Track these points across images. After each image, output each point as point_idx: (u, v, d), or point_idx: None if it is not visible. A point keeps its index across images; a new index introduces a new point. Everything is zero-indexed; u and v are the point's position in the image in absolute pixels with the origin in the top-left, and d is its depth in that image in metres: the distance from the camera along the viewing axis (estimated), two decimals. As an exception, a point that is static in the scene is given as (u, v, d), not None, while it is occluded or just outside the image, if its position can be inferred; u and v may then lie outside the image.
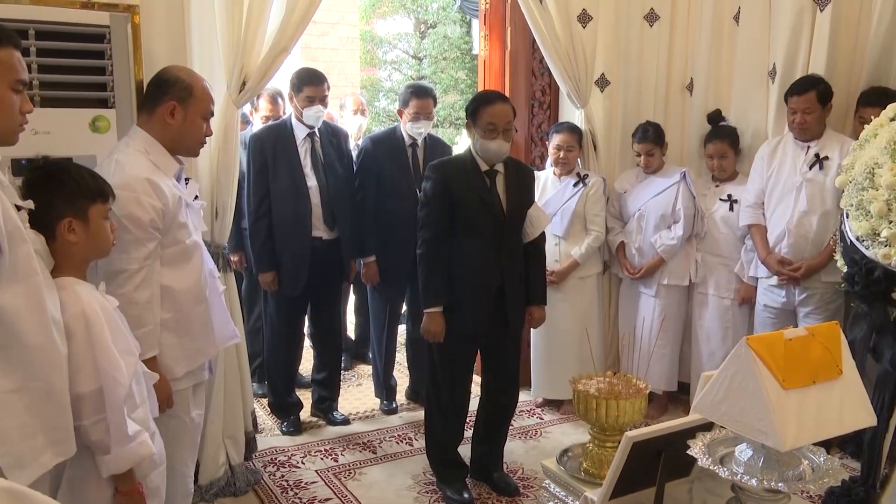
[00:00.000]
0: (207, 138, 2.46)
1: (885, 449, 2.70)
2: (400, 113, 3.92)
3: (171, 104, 2.28)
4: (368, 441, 3.80)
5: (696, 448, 1.70)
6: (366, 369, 4.81)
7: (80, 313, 1.78)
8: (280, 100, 4.35)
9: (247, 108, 4.28)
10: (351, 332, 5.14)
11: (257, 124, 4.36)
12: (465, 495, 3.17)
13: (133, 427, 1.84)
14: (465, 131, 3.47)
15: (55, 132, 2.44)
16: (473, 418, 3.38)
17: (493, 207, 3.03)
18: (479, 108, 3.00)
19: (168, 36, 2.77)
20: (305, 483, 3.35)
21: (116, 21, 2.55)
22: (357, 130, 4.74)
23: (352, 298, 4.99)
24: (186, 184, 2.46)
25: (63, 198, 1.85)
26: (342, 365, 4.70)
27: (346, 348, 4.94)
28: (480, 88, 4.49)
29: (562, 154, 3.96)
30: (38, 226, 1.80)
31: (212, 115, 2.42)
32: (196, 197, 2.53)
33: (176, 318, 2.30)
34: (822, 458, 1.68)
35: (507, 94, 4.01)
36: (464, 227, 3.03)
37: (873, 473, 2.73)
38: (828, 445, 1.70)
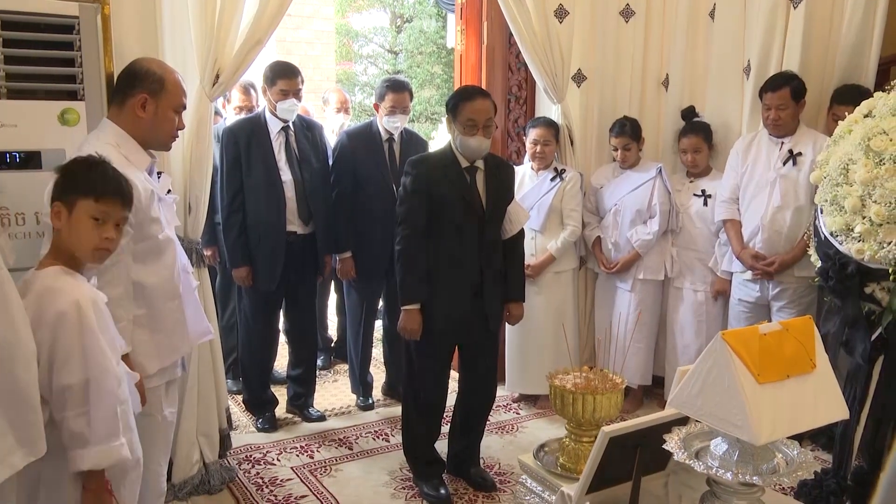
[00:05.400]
0: (180, 132, 2.42)
1: (856, 441, 2.74)
2: (376, 107, 3.90)
3: (143, 97, 2.24)
4: (344, 437, 3.78)
5: (672, 442, 1.71)
6: (342, 365, 4.78)
7: (73, 302, 1.77)
8: (253, 91, 4.30)
9: (218, 101, 4.23)
10: (332, 332, 5.09)
11: (230, 115, 4.31)
12: (442, 491, 3.16)
13: (118, 426, 1.81)
14: (441, 126, 3.46)
15: (22, 125, 2.38)
16: (450, 414, 3.38)
17: (472, 204, 3.02)
18: (460, 103, 2.98)
19: (139, 27, 2.72)
20: (281, 480, 3.33)
21: (85, 12, 2.49)
22: (339, 128, 4.68)
23: (333, 297, 4.96)
24: (159, 178, 2.41)
25: (61, 183, 1.92)
26: (321, 364, 4.69)
27: (327, 348, 4.92)
28: (457, 83, 4.48)
29: (538, 148, 3.96)
30: None
31: (184, 108, 2.38)
32: (169, 191, 2.48)
33: (149, 314, 2.26)
34: (795, 452, 1.69)
35: (483, 88, 4.00)
36: (443, 224, 3.01)
37: (845, 465, 2.77)
38: (800, 438, 1.72)
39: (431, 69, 11.44)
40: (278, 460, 3.52)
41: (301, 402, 4.00)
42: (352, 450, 3.65)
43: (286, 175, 3.64)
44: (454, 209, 3.00)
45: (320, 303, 4.69)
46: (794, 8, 3.56)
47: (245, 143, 3.60)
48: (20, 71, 2.42)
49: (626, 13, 4.13)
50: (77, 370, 1.75)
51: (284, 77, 3.58)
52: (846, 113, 2.82)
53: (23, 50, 2.42)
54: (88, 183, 1.90)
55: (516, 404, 4.22)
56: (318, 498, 3.19)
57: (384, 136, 3.87)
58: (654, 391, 4.22)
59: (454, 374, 3.33)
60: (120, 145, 2.21)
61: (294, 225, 3.69)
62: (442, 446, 3.36)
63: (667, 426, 1.80)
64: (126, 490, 1.99)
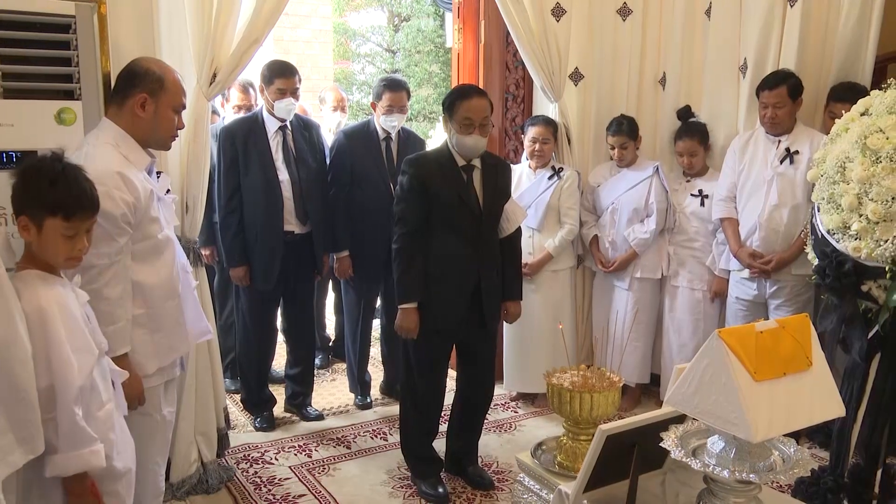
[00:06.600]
0: (178, 131, 2.42)
1: (853, 439, 2.74)
2: (373, 106, 3.89)
3: (142, 97, 2.24)
4: (342, 436, 3.78)
5: (669, 440, 1.72)
6: (340, 364, 4.79)
7: (36, 308, 1.75)
8: (252, 90, 4.30)
9: (217, 101, 4.22)
10: (330, 331, 5.09)
11: (229, 114, 4.30)
12: (440, 489, 3.17)
13: (89, 433, 1.79)
14: (438, 125, 3.46)
15: (19, 124, 2.38)
16: (448, 412, 3.38)
17: (469, 203, 3.02)
18: (456, 102, 2.98)
19: (136, 26, 2.71)
20: (279, 479, 3.33)
21: (82, 11, 2.49)
22: (336, 127, 4.68)
23: (331, 296, 4.95)
24: (158, 177, 2.41)
25: (23, 195, 1.83)
26: (319, 363, 4.69)
27: (325, 347, 4.92)
28: (454, 82, 4.48)
29: (537, 146, 3.97)
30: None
31: (183, 107, 2.38)
32: (168, 191, 2.48)
33: (148, 313, 2.27)
34: (792, 449, 1.70)
35: (480, 87, 4.00)
36: (440, 223, 3.01)
37: (842, 463, 2.78)
38: (797, 436, 1.72)
39: (429, 68, 11.43)
40: (276, 459, 3.52)
41: (299, 401, 4.00)
42: (350, 449, 3.65)
43: (283, 175, 3.64)
44: (451, 208, 3.00)
45: (318, 302, 4.70)
46: (791, 6, 3.57)
47: (242, 142, 3.59)
48: (17, 70, 2.41)
49: (623, 12, 4.13)
50: (41, 376, 1.72)
51: (282, 76, 3.58)
52: (843, 111, 2.82)
53: (19, 49, 2.41)
54: (54, 202, 1.81)
55: (514, 403, 4.23)
56: (316, 497, 3.19)
57: (381, 135, 3.87)
58: (651, 389, 4.22)
59: (452, 373, 3.33)
60: (119, 145, 2.21)
61: (291, 224, 3.68)
62: (440, 445, 3.36)
63: (664, 424, 1.80)
64: (118, 496, 1.97)
